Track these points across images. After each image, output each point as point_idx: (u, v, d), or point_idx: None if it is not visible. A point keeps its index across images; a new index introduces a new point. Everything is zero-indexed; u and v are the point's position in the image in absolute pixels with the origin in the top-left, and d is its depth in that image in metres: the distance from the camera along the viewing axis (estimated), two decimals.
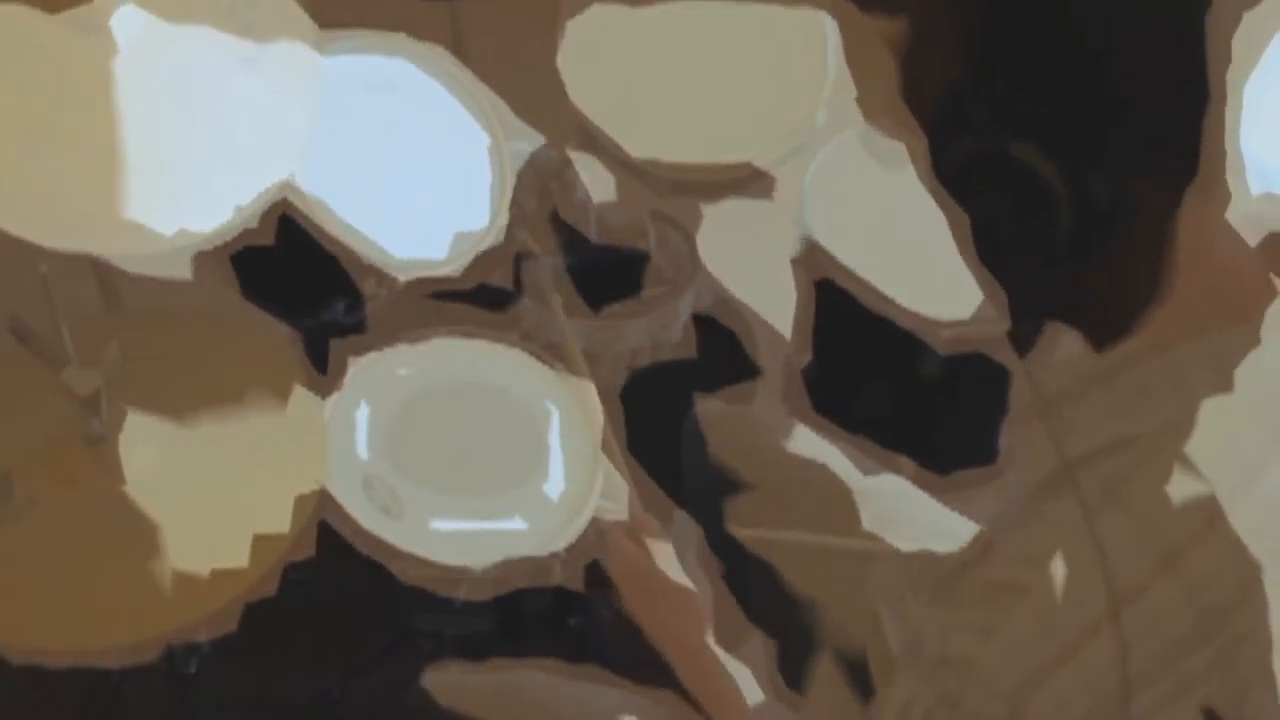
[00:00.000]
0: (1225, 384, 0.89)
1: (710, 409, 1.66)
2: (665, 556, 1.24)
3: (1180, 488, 0.87)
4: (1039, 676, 0.87)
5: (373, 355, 1.60)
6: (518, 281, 1.72)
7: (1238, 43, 0.80)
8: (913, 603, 1.21)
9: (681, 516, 1.47)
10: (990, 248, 0.86)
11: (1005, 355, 0.96)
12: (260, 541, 1.37)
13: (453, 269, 1.60)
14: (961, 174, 0.85)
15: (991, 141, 0.82)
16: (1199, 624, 0.87)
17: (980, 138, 0.83)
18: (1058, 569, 0.87)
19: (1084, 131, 0.81)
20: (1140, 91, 0.80)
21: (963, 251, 0.88)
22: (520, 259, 1.70)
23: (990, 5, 0.82)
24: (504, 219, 1.66)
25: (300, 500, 1.40)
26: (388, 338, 1.62)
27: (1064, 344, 0.90)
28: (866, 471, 1.55)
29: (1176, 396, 0.89)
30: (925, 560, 1.39)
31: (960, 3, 0.84)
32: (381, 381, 1.59)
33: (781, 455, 1.58)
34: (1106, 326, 0.89)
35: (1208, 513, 0.87)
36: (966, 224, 0.86)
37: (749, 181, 1.69)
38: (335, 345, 1.57)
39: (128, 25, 1.34)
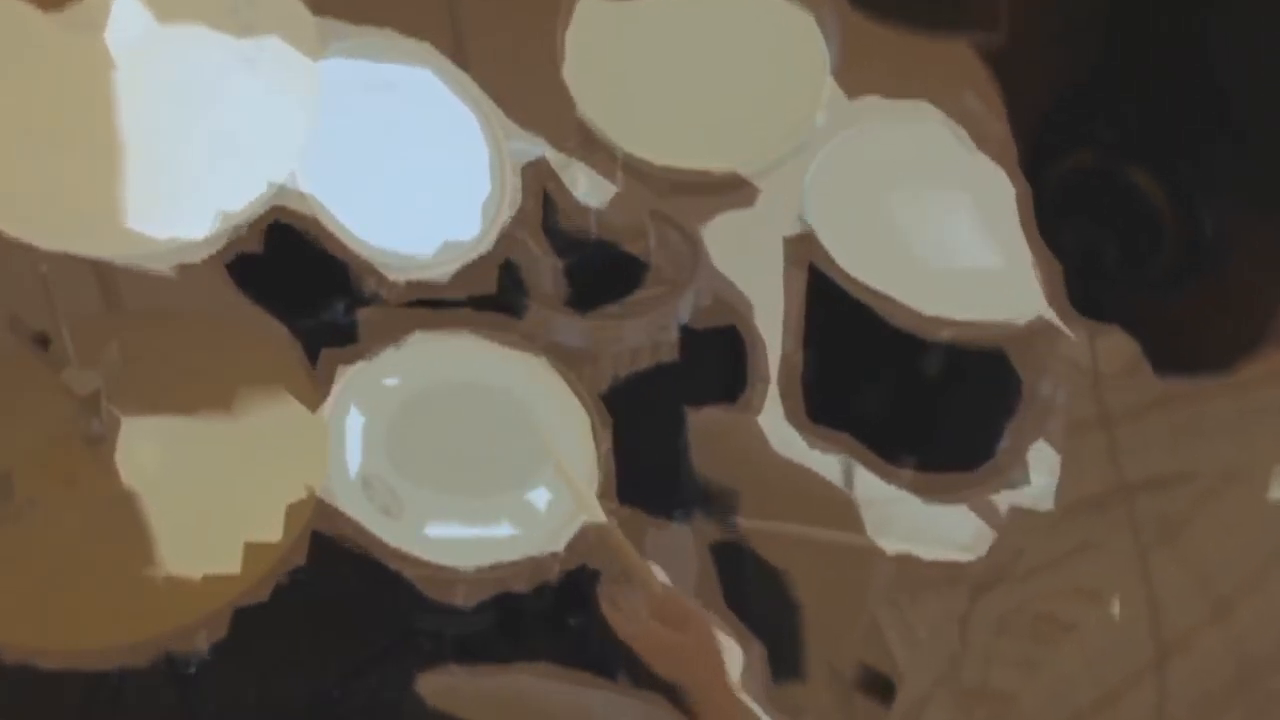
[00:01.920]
0: None
1: (708, 415, 1.66)
2: (712, 631, 1.21)
3: (1235, 538, 0.85)
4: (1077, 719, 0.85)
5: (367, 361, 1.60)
6: (501, 288, 1.71)
7: None
8: (910, 603, 1.21)
9: (679, 535, 1.46)
10: (1088, 269, 0.84)
11: (1061, 363, 0.93)
12: (260, 542, 1.37)
13: (452, 269, 1.61)
14: (1068, 189, 0.82)
15: (1109, 159, 0.80)
16: (1237, 677, 0.85)
17: (1098, 153, 0.80)
18: (1111, 607, 0.84)
19: (1201, 161, 0.79)
20: (1264, 128, 0.78)
21: (1025, 229, 0.85)
22: (506, 268, 1.70)
23: (1119, 18, 0.80)
24: (504, 219, 1.66)
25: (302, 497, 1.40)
26: (384, 339, 1.62)
27: (1125, 356, 0.88)
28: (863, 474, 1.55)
29: (1242, 440, 0.86)
30: (925, 564, 1.39)
31: (1085, 13, 0.81)
32: (378, 383, 1.59)
33: (777, 458, 1.58)
34: (1184, 361, 0.86)
35: (1258, 564, 0.85)
36: (1030, 199, 0.83)
37: (741, 186, 1.69)
38: (326, 354, 1.57)
39: (128, 25, 1.34)
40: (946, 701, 0.90)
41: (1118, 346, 0.87)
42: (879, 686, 1.32)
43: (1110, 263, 0.81)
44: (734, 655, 1.19)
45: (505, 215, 1.66)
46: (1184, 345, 0.85)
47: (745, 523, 1.24)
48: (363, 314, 1.69)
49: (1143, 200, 0.79)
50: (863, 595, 1.40)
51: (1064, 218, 0.83)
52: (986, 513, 1.64)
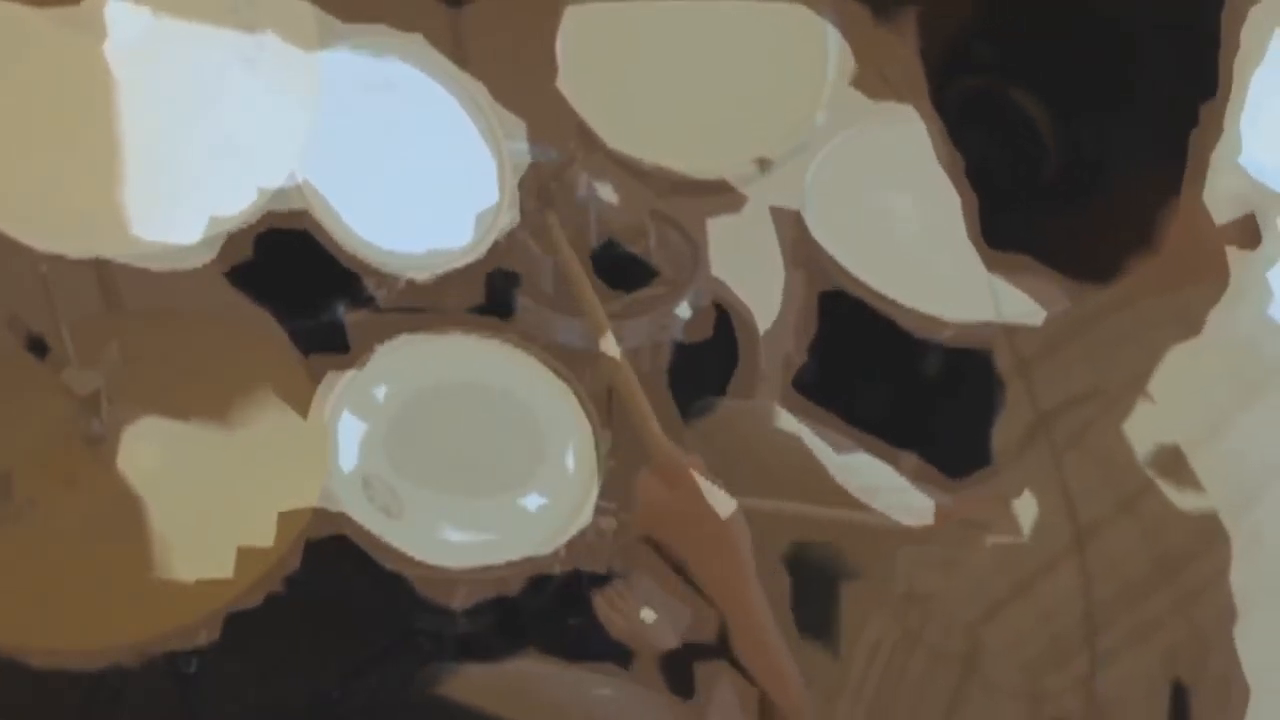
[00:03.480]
0: (1190, 336, 0.92)
1: (709, 406, 1.66)
2: (700, 487, 1.23)
3: (1141, 435, 0.90)
4: (995, 609, 0.89)
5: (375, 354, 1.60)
6: (490, 295, 1.72)
7: (1246, 33, 0.84)
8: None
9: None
10: (981, 183, 0.91)
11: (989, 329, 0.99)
12: (262, 541, 1.37)
13: (452, 269, 1.61)
14: (961, 111, 0.90)
15: (994, 83, 0.87)
16: (1157, 569, 0.89)
17: (985, 78, 0.87)
18: (1020, 506, 0.90)
19: (1077, 78, 0.86)
20: (1135, 42, 0.84)
21: (942, 164, 0.93)
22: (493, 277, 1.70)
23: None
24: (504, 219, 1.66)
25: (303, 495, 1.40)
26: (382, 338, 1.62)
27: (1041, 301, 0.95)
28: (860, 471, 1.55)
29: (1142, 349, 0.92)
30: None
31: None
32: (378, 383, 1.59)
33: (778, 452, 1.58)
34: (1082, 270, 0.92)
35: (1167, 460, 0.89)
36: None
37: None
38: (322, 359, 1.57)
39: (127, 25, 1.34)
40: (881, 611, 0.95)
41: (1023, 294, 0.95)
42: None
43: (1002, 181, 0.89)
44: (728, 507, 1.21)
45: (505, 215, 1.66)
46: (1082, 259, 0.92)
47: (752, 503, 1.24)
48: (352, 318, 1.69)
49: (1025, 119, 0.86)
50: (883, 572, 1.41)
51: (960, 137, 0.90)
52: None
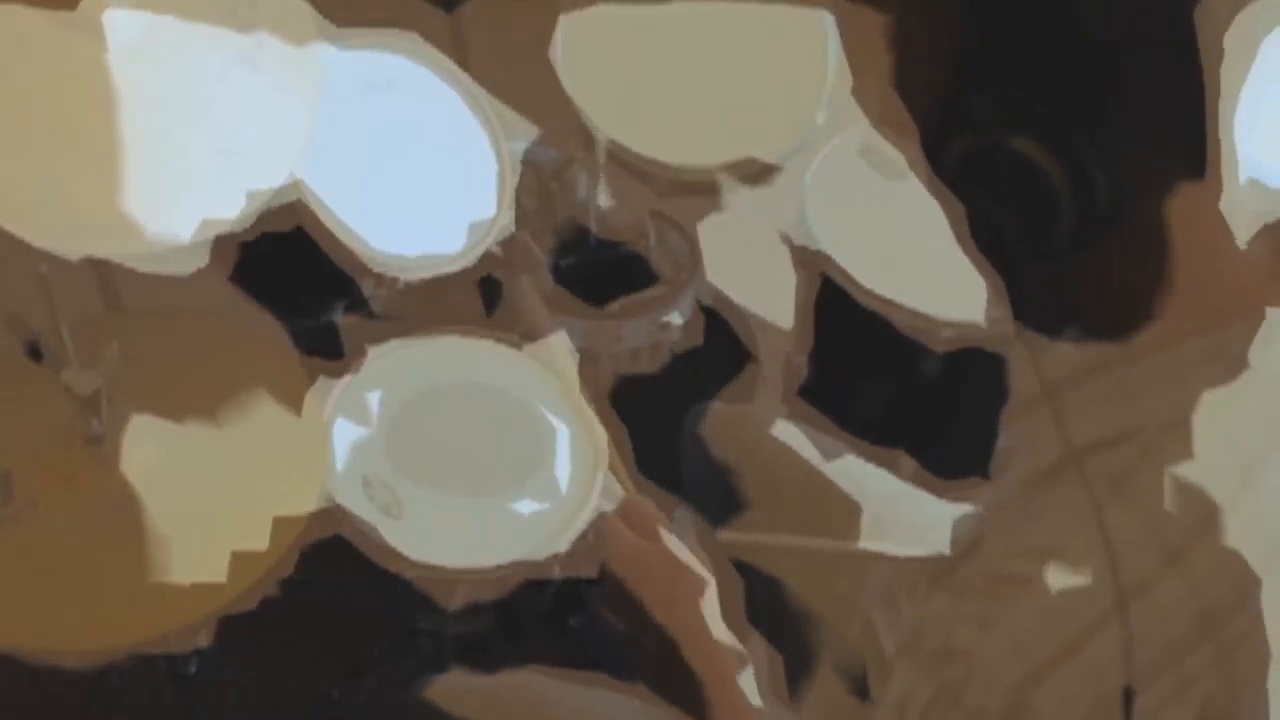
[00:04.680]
0: (1227, 379, 0.89)
1: (709, 410, 1.66)
2: (664, 537, 1.23)
3: (1181, 485, 0.87)
4: (1041, 671, 0.86)
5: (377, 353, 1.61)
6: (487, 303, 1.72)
7: (1230, 40, 0.80)
8: (908, 601, 1.21)
9: (680, 508, 1.46)
10: (993, 243, 0.86)
11: (1007, 343, 0.96)
12: (262, 541, 1.37)
13: (452, 269, 1.61)
14: (961, 169, 0.85)
15: (992, 136, 0.82)
16: (1199, 622, 0.87)
17: (980, 132, 0.82)
18: (1064, 562, 0.86)
19: (1082, 124, 0.81)
20: (1136, 84, 0.80)
21: (962, 244, 0.88)
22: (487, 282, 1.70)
23: None
24: (504, 219, 1.66)
25: (303, 495, 1.40)
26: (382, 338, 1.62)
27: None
28: (863, 472, 1.55)
29: (1179, 391, 0.88)
30: (922, 564, 1.39)
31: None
32: (381, 381, 1.59)
33: (780, 456, 1.58)
34: (1109, 321, 0.88)
35: (1207, 511, 0.87)
36: (964, 217, 0.86)
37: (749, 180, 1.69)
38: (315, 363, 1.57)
39: (128, 25, 1.34)
40: (911, 665, 0.91)
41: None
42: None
43: (1016, 237, 0.84)
44: (706, 584, 1.20)
45: (505, 216, 1.66)
46: (1109, 305, 0.87)
47: (729, 535, 1.25)
48: (345, 323, 1.70)
49: (1034, 170, 0.81)
50: (858, 596, 1.40)
51: (969, 202, 0.85)
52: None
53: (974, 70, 0.82)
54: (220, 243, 1.39)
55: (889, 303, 1.61)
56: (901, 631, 0.95)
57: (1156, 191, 0.83)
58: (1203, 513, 0.87)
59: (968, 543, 0.92)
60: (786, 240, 1.72)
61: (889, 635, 1.34)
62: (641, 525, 1.25)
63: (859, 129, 1.77)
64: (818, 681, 1.36)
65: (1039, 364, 0.92)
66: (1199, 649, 0.87)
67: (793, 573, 1.45)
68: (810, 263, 1.69)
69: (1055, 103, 0.81)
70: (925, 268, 1.66)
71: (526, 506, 1.51)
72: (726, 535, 1.23)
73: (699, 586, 1.20)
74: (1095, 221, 0.82)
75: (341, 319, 1.71)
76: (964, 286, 1.62)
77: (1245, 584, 0.88)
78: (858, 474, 1.54)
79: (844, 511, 1.49)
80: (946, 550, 0.94)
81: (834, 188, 1.72)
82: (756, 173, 1.68)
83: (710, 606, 1.20)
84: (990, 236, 0.86)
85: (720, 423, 1.64)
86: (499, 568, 1.46)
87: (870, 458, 1.64)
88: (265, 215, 1.37)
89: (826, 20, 1.74)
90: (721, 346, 1.91)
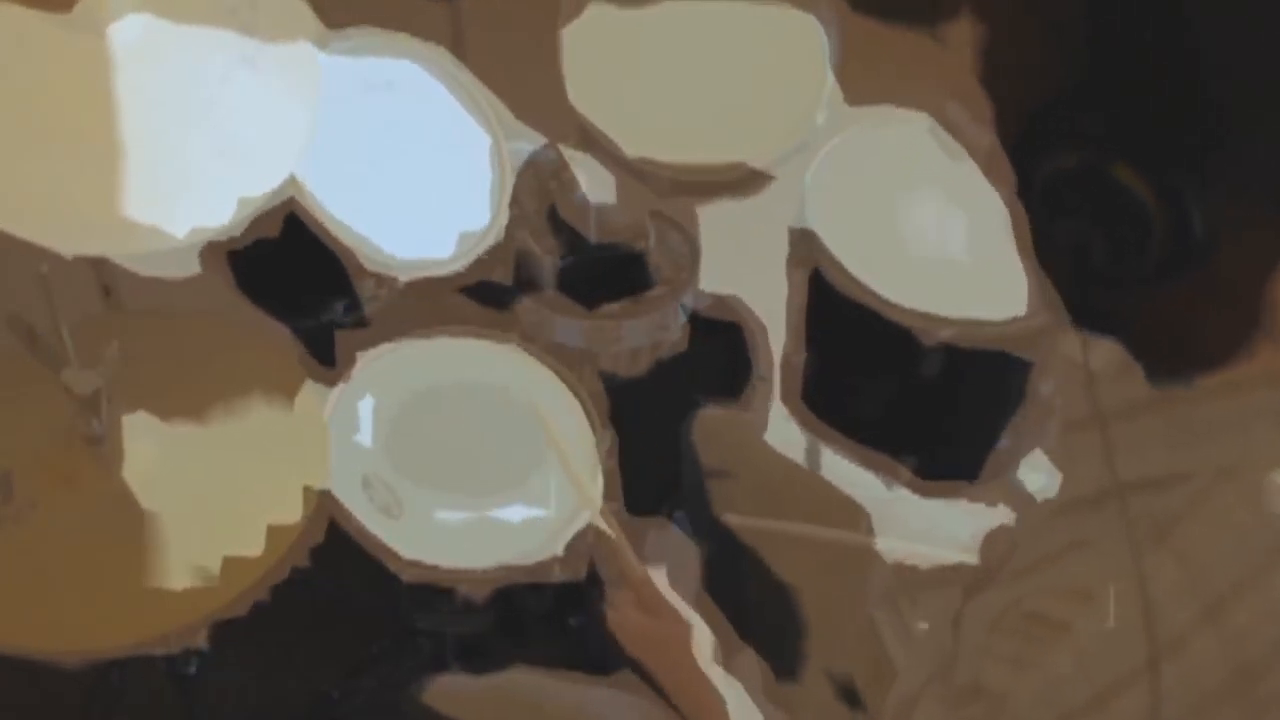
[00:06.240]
0: None
1: (708, 414, 1.66)
2: (675, 609, 1.23)
3: (1230, 537, 0.84)
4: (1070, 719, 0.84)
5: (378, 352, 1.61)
6: (518, 279, 1.72)
7: None
8: (909, 610, 1.20)
9: (679, 537, 1.46)
10: (1059, 257, 0.83)
11: (1060, 362, 0.93)
12: (269, 536, 1.37)
13: (452, 269, 1.61)
14: (1053, 181, 0.82)
15: (1094, 154, 0.79)
16: (1233, 680, 0.84)
17: (1081, 149, 0.80)
18: (1103, 609, 0.84)
19: (1189, 162, 0.78)
20: (1250, 124, 0.78)
21: (1020, 249, 0.85)
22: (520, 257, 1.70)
23: (1101, 20, 0.79)
24: (504, 218, 1.66)
25: (304, 494, 1.40)
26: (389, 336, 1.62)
27: (1119, 355, 0.87)
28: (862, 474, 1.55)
29: (1240, 442, 0.85)
30: (923, 566, 1.39)
31: (1064, 16, 0.80)
32: (382, 382, 1.59)
33: (778, 459, 1.58)
34: (1167, 363, 0.86)
35: (1253, 565, 0.84)
36: (1026, 222, 0.83)
37: (746, 182, 1.69)
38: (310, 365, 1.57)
39: (128, 26, 1.34)
40: (937, 699, 0.90)
41: (1112, 345, 0.86)
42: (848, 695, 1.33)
43: (1099, 263, 0.81)
44: (705, 639, 1.20)
45: (506, 215, 1.66)
46: (1177, 345, 0.84)
47: (739, 520, 1.23)
48: (352, 319, 1.70)
49: (1130, 198, 0.78)
50: (861, 596, 1.40)
51: (1053, 220, 0.82)
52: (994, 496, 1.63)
53: (1087, 84, 0.80)
54: (220, 244, 1.39)
55: (889, 302, 1.61)
56: (932, 659, 0.92)
57: (1255, 241, 0.80)
58: (1250, 566, 0.84)
59: (998, 562, 0.90)
60: (787, 239, 1.72)
61: (890, 635, 1.34)
62: (648, 601, 1.24)
63: (859, 129, 1.77)
64: (809, 683, 1.36)
65: (1093, 390, 0.89)
66: (1229, 706, 0.85)
67: (795, 565, 1.45)
68: (807, 262, 1.69)
69: (1166, 134, 0.78)
70: (926, 267, 1.66)
71: (526, 507, 1.51)
72: (734, 520, 1.21)
73: (697, 639, 1.20)
74: (1179, 262, 0.79)
75: (347, 317, 1.70)
76: (965, 286, 1.63)
77: None
78: (854, 476, 1.54)
79: (842, 512, 1.49)
80: (955, 554, 0.92)
81: (834, 188, 1.72)
82: (750, 182, 1.68)
83: (702, 648, 1.20)
84: (1060, 250, 0.83)
85: (719, 426, 1.63)
86: (499, 568, 1.46)
87: (869, 463, 1.64)
88: (265, 215, 1.37)
89: (826, 20, 1.74)
90: (718, 350, 1.91)
